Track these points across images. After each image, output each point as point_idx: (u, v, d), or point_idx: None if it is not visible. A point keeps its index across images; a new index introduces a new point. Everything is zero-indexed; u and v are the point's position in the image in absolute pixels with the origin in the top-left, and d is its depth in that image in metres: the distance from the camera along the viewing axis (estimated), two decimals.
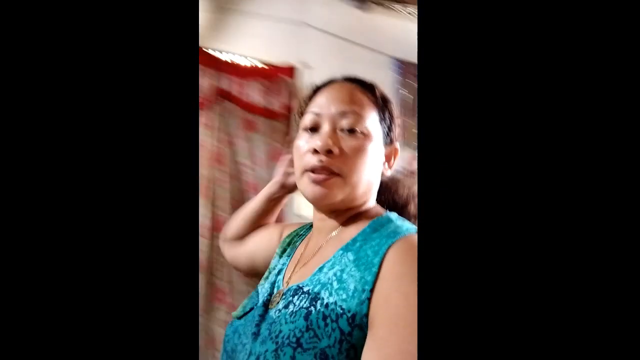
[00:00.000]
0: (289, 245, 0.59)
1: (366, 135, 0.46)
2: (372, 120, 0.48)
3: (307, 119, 0.49)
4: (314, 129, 0.48)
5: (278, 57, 1.61)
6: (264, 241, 0.63)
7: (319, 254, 0.48)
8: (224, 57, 1.53)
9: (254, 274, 0.63)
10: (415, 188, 0.56)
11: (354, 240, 0.44)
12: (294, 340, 0.37)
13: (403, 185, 0.56)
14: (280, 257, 0.57)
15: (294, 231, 0.61)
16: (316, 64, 1.63)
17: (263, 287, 0.53)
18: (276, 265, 0.56)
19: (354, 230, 0.46)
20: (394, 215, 0.48)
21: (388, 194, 0.55)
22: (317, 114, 0.48)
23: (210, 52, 1.50)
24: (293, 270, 0.51)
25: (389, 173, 0.52)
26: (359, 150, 0.45)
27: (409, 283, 0.35)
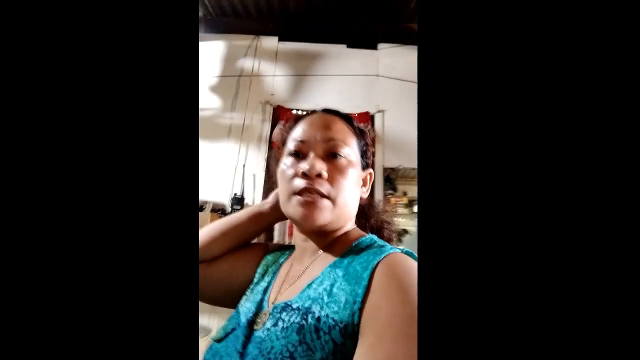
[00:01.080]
0: (273, 265, 0.58)
1: (348, 160, 0.49)
2: (352, 147, 0.50)
3: (292, 145, 0.51)
4: (299, 154, 0.49)
5: (355, 108, 1.72)
6: (244, 260, 0.60)
7: (307, 274, 0.48)
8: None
9: (222, 300, 0.60)
10: (385, 214, 0.59)
11: (341, 259, 0.45)
12: (287, 355, 0.37)
13: (377, 210, 0.58)
14: (263, 276, 0.56)
15: (277, 250, 0.60)
16: (390, 108, 1.69)
17: (244, 307, 0.51)
18: (259, 283, 0.55)
19: (339, 251, 0.47)
20: (375, 237, 0.49)
21: (364, 219, 0.57)
22: (302, 141, 0.50)
23: (292, 111, 1.70)
24: (279, 291, 0.50)
25: (366, 195, 0.54)
26: (343, 173, 0.47)
27: (396, 294, 0.36)
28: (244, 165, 1.62)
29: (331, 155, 0.48)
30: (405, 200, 1.79)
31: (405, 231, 1.66)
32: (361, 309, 0.37)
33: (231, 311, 0.54)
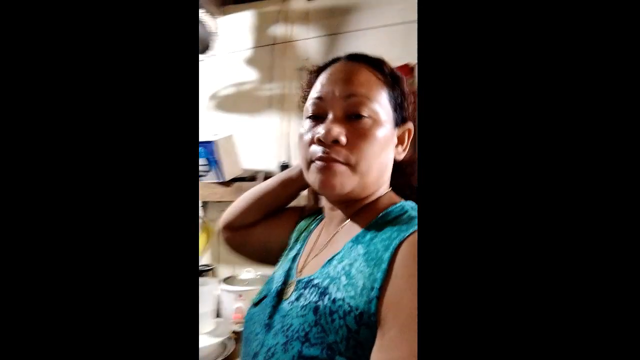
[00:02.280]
0: (305, 230, 0.56)
1: (375, 120, 0.42)
2: (380, 101, 0.43)
3: (310, 106, 0.45)
4: (318, 116, 0.44)
5: (396, 60, 1.63)
6: (279, 226, 0.59)
7: (330, 245, 0.46)
8: None
9: (267, 261, 0.59)
10: None
11: (365, 232, 0.41)
12: (302, 334, 0.36)
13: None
14: (296, 242, 0.55)
15: (310, 216, 0.58)
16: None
17: (276, 274, 0.51)
18: (291, 250, 0.54)
19: (365, 221, 0.43)
20: (409, 204, 0.43)
21: (404, 177, 0.50)
22: (320, 99, 0.44)
23: None
24: (306, 260, 0.49)
25: (402, 156, 0.47)
26: (367, 137, 0.41)
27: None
28: (288, 134, 1.66)
29: (353, 116, 0.43)
30: None
31: None
32: (380, 297, 0.34)
33: None
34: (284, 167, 1.60)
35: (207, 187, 1.50)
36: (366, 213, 0.45)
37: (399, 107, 0.47)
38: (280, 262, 0.54)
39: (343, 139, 0.42)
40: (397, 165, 0.49)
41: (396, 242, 0.36)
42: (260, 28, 1.77)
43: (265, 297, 0.49)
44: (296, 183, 0.59)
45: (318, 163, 0.43)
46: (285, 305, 0.43)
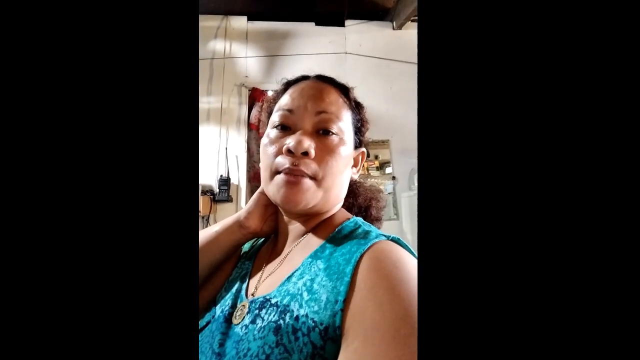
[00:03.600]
0: (251, 247, 0.54)
1: (341, 138, 0.43)
2: (345, 122, 0.45)
3: (278, 117, 0.44)
4: (286, 127, 0.44)
5: None
6: (224, 269, 0.53)
7: (287, 262, 0.44)
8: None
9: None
10: (373, 192, 0.54)
11: (323, 247, 0.41)
12: (263, 357, 0.35)
13: (365, 188, 0.53)
14: (242, 263, 0.51)
15: (252, 245, 0.56)
16: (358, 84, 1.79)
17: (222, 297, 0.47)
18: (236, 272, 0.50)
19: (322, 236, 0.43)
20: (359, 220, 0.45)
21: (352, 198, 0.52)
22: (291, 111, 0.44)
23: (268, 92, 1.78)
24: (259, 280, 0.46)
25: (356, 177, 0.49)
26: (333, 153, 0.42)
27: (383, 292, 0.33)
28: (226, 148, 1.72)
29: (322, 132, 0.43)
30: (377, 163, 1.98)
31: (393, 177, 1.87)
32: (344, 310, 0.34)
33: None
34: (224, 180, 1.67)
35: None
36: (322, 229, 0.45)
37: (358, 131, 0.48)
38: (225, 286, 0.50)
39: (312, 152, 0.42)
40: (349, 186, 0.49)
41: (357, 255, 0.37)
42: (201, 41, 1.80)
43: (208, 322, 0.45)
44: (235, 234, 0.52)
45: (284, 176, 0.42)
46: (238, 329, 0.40)
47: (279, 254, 0.47)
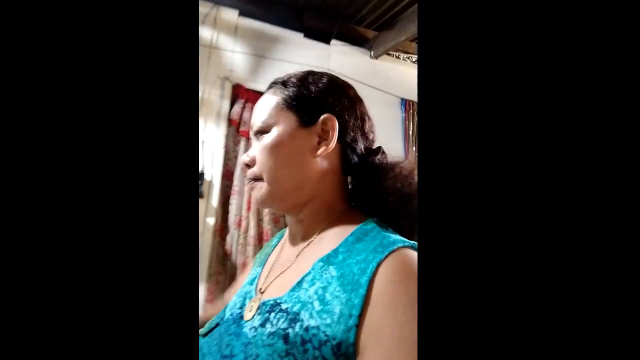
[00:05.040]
0: (264, 254, 0.55)
1: (273, 134, 0.44)
2: (277, 116, 0.45)
3: None
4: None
5: None
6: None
7: (297, 263, 0.44)
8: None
9: None
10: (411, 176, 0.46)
11: (336, 252, 0.40)
12: None
13: (386, 169, 0.46)
14: (254, 269, 0.53)
15: (268, 242, 0.58)
16: None
17: (232, 300, 0.48)
18: (249, 278, 0.51)
19: (334, 239, 0.42)
20: (376, 222, 0.42)
21: (361, 179, 0.47)
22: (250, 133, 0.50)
23: (251, 90, 1.76)
24: (267, 278, 0.46)
25: (330, 145, 0.44)
26: (266, 150, 0.44)
27: (404, 310, 0.31)
28: (202, 141, 1.63)
29: (256, 137, 0.46)
30: None
31: None
32: (359, 325, 0.32)
33: None
34: (199, 174, 1.57)
35: None
36: (334, 229, 0.44)
37: (304, 108, 0.45)
38: (237, 291, 0.50)
39: (249, 159, 0.47)
40: (362, 173, 0.46)
41: (373, 265, 0.34)
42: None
43: (217, 325, 0.45)
44: None
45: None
46: (247, 330, 0.39)
47: (288, 255, 0.47)
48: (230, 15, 1.77)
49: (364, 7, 1.87)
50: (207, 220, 1.60)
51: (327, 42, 1.97)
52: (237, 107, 1.72)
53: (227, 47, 1.77)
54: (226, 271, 1.66)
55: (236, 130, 1.73)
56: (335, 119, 0.44)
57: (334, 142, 0.44)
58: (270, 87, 0.49)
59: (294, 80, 0.47)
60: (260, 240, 1.66)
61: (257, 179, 0.45)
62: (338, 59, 1.98)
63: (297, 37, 1.92)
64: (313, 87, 0.46)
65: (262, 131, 0.45)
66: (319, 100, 0.45)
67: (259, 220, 1.68)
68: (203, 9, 1.72)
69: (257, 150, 0.45)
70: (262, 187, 0.45)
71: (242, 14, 1.80)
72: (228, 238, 1.65)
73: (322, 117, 0.45)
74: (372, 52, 2.06)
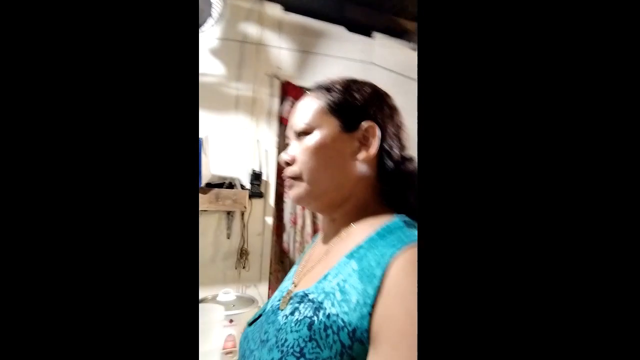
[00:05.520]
0: (302, 254, 0.61)
1: (316, 136, 0.47)
2: (320, 119, 0.47)
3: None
4: (286, 147, 0.53)
5: None
6: None
7: (326, 259, 0.47)
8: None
9: None
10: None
11: (360, 248, 0.42)
12: (297, 349, 0.37)
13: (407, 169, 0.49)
14: (294, 266, 0.59)
15: (309, 244, 0.63)
16: None
17: (274, 295, 0.53)
18: (289, 275, 0.57)
19: (360, 236, 0.44)
20: (402, 219, 0.44)
21: (402, 190, 0.49)
22: (287, 133, 0.53)
23: (299, 87, 1.74)
24: (301, 273, 0.51)
25: (372, 152, 0.47)
26: (308, 151, 0.47)
27: (413, 299, 0.33)
28: (258, 140, 1.62)
29: (298, 137, 0.49)
30: None
31: None
32: (372, 313, 0.35)
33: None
34: (256, 175, 1.57)
35: None
36: (362, 226, 0.46)
37: (348, 113, 0.48)
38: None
39: (289, 158, 0.50)
40: (396, 179, 0.48)
41: (387, 257, 0.37)
42: (231, 21, 1.64)
43: (260, 315, 0.49)
44: None
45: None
46: (279, 318, 0.43)
47: (320, 251, 0.51)
48: (274, 10, 1.74)
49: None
50: (266, 220, 1.61)
51: (369, 35, 1.94)
52: (287, 105, 1.70)
53: (273, 44, 1.74)
54: (285, 269, 1.67)
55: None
56: (377, 126, 0.48)
57: (375, 149, 0.47)
58: (312, 90, 0.52)
59: (338, 87, 0.50)
60: None
61: (297, 177, 0.48)
62: (381, 52, 1.96)
63: (341, 30, 1.89)
64: (357, 95, 0.49)
65: (305, 132, 0.48)
66: (362, 108, 0.48)
67: (314, 218, 1.69)
68: (246, 4, 1.69)
69: (297, 150, 0.48)
70: (301, 186, 0.48)
71: (286, 7, 1.77)
72: (285, 236, 1.66)
73: (364, 124, 0.48)
74: (412, 45, 2.03)
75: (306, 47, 1.81)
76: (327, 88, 0.50)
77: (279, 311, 0.45)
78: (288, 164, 0.49)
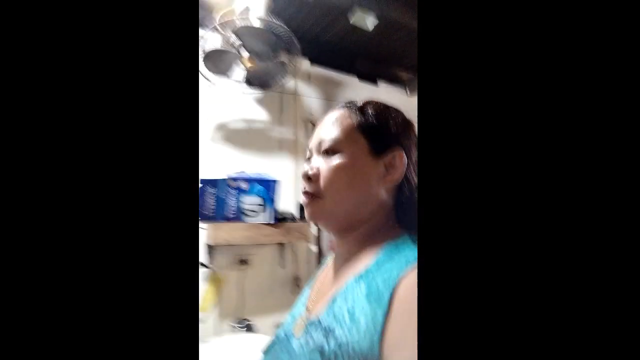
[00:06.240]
0: (313, 276, 0.59)
1: (342, 153, 0.45)
2: (348, 139, 0.46)
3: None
4: (309, 157, 0.51)
5: None
6: None
7: (336, 282, 0.46)
8: None
9: None
10: None
11: (368, 270, 0.41)
12: None
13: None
14: (304, 290, 0.56)
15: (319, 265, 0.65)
16: None
17: (286, 321, 0.51)
18: (300, 299, 0.55)
19: (369, 257, 0.43)
20: (409, 238, 0.43)
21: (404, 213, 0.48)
22: (309, 147, 0.51)
23: None
24: (314, 297, 0.50)
25: (395, 180, 0.47)
26: (334, 170, 0.45)
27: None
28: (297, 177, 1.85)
29: (324, 154, 0.47)
30: None
31: None
32: (382, 339, 0.33)
33: None
34: (302, 207, 1.78)
35: (255, 229, 1.46)
36: (370, 246, 0.45)
37: (379, 138, 0.47)
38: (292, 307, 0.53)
39: (313, 174, 0.47)
40: (411, 207, 0.48)
41: (395, 279, 0.36)
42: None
43: (273, 343, 0.49)
44: None
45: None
46: (295, 345, 0.43)
47: (331, 273, 0.50)
48: (304, 64, 2.01)
49: (401, 51, 2.26)
50: (311, 247, 1.81)
51: (375, 83, 2.31)
52: None
53: (304, 93, 2.00)
54: None
55: None
56: (404, 155, 0.47)
57: (400, 176, 0.47)
58: (343, 106, 0.51)
59: (372, 109, 0.50)
60: None
61: (317, 194, 0.46)
62: (384, 97, 2.31)
63: (353, 80, 2.22)
64: (391, 121, 0.49)
65: (333, 150, 0.46)
66: (393, 134, 0.48)
67: None
68: (283, 58, 1.94)
69: (322, 166, 0.46)
70: (320, 204, 0.46)
71: (311, 60, 2.06)
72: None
73: (393, 149, 0.47)
74: (407, 91, 2.45)
75: (328, 96, 2.10)
76: (360, 108, 0.50)
77: (294, 339, 0.44)
78: (309, 178, 0.47)
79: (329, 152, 0.46)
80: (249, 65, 1.49)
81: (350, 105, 0.50)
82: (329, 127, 0.48)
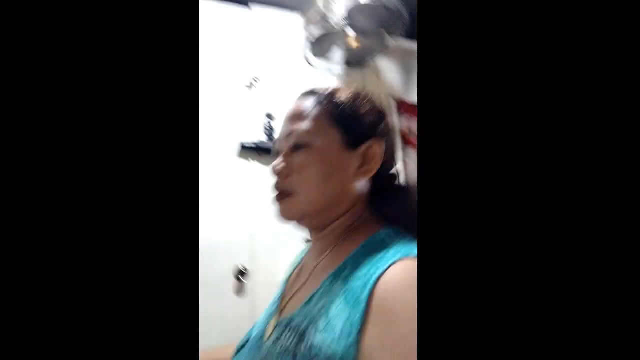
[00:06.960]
0: (286, 275, 0.56)
1: (313, 148, 0.43)
2: (321, 131, 0.44)
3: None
4: (278, 152, 0.47)
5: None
6: None
7: (311, 280, 0.44)
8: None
9: None
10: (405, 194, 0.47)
11: (345, 265, 0.40)
12: None
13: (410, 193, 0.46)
14: (280, 288, 0.53)
15: (292, 262, 0.57)
16: None
17: (259, 320, 0.50)
18: (274, 297, 0.52)
19: (345, 252, 0.42)
20: (388, 232, 0.41)
21: (398, 203, 0.46)
22: (277, 139, 0.47)
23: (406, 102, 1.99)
24: (287, 296, 0.47)
25: (371, 173, 0.45)
26: (305, 165, 0.43)
27: (403, 325, 0.30)
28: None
29: (295, 147, 0.45)
30: None
31: None
32: (359, 342, 0.32)
33: None
34: None
35: None
36: (348, 242, 0.43)
37: (354, 130, 0.45)
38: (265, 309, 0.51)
39: (283, 169, 0.44)
40: (389, 190, 0.46)
41: (373, 279, 0.34)
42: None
43: (247, 341, 0.48)
44: None
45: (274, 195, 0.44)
46: (265, 347, 0.41)
47: (306, 271, 0.48)
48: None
49: None
50: None
51: None
52: (404, 122, 1.94)
53: (386, 69, 1.96)
54: None
55: (402, 142, 1.96)
56: (379, 146, 0.45)
57: (376, 169, 0.45)
58: (308, 94, 0.48)
59: (343, 98, 0.47)
60: None
61: (289, 191, 0.44)
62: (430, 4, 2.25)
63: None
64: (362, 111, 0.46)
65: (303, 144, 0.44)
66: (367, 125, 0.46)
67: None
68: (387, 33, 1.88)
69: (293, 161, 0.44)
70: (292, 202, 0.44)
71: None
72: None
73: (368, 142, 0.45)
74: None
75: (407, 68, 2.05)
76: (329, 95, 0.47)
77: (263, 340, 0.43)
78: (279, 174, 0.45)
79: (298, 146, 0.44)
80: (355, 45, 1.46)
81: (316, 93, 0.47)
82: (297, 119, 0.45)
